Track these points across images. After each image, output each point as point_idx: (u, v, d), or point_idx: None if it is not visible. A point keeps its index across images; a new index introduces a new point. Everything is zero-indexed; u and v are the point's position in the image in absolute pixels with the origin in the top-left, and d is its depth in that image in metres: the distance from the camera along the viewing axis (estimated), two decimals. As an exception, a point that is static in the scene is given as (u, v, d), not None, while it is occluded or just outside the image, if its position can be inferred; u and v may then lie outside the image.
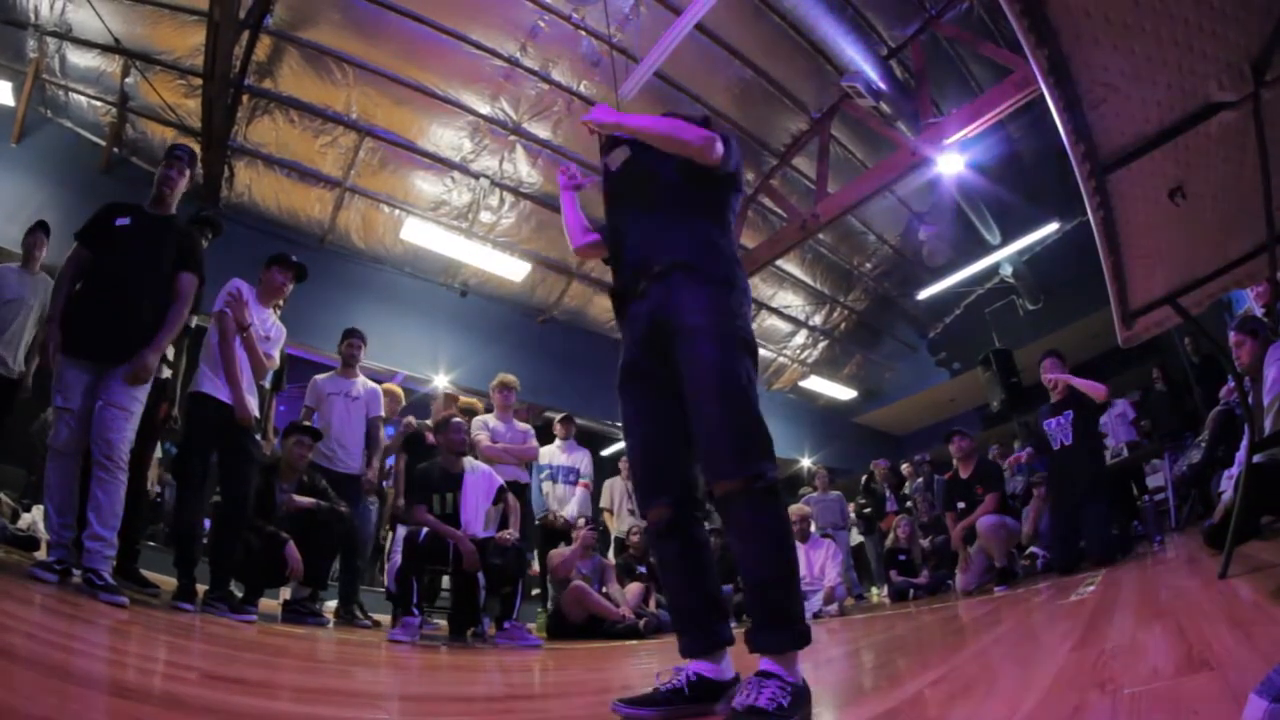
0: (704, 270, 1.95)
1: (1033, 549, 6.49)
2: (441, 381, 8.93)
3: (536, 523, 6.65)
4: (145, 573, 4.24)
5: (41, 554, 3.80)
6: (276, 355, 4.52)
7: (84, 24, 6.62)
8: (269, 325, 4.45)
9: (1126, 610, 2.82)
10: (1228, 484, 4.03)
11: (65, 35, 6.74)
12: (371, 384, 5.71)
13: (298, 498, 4.67)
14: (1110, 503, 5.75)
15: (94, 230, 3.63)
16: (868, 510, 9.83)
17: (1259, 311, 5.10)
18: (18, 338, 4.56)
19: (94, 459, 3.30)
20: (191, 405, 4.11)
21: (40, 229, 4.83)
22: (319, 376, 5.62)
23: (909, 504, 9.19)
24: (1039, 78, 2.19)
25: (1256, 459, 3.03)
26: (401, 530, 5.17)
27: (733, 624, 2.05)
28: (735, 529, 1.80)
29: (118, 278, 3.55)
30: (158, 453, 5.43)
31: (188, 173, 3.91)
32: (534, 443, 6.40)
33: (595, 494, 7.43)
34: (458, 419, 5.20)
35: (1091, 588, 3.96)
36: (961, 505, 6.66)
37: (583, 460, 7.03)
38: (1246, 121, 2.30)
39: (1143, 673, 1.58)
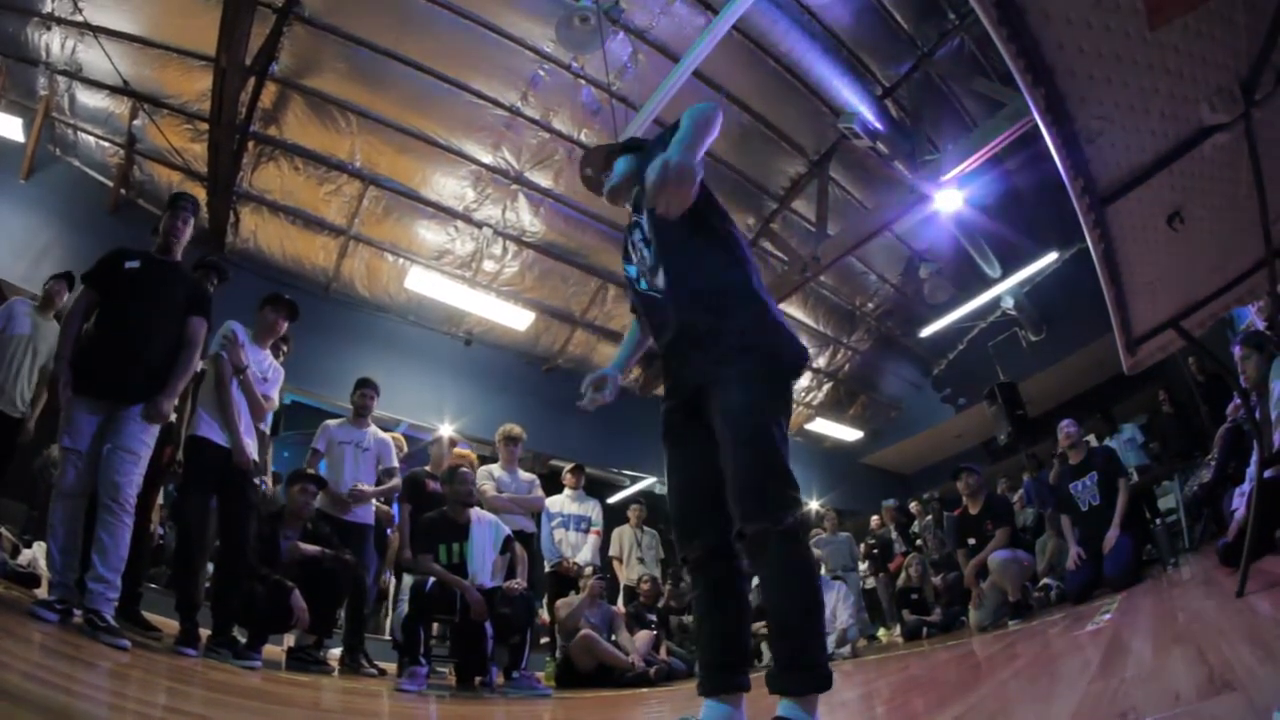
0: None
1: (1046, 580, 6.39)
2: (446, 430, 8.86)
3: (549, 570, 6.61)
4: (147, 615, 4.21)
5: (42, 591, 3.77)
6: (275, 396, 4.52)
7: (94, 64, 6.75)
8: (266, 366, 4.46)
9: (1145, 636, 2.78)
10: (1240, 501, 3.99)
11: (75, 75, 6.87)
12: (383, 435, 5.71)
13: (303, 545, 4.63)
14: (1133, 533, 5.72)
15: (102, 273, 3.66)
16: (875, 551, 9.75)
17: (1261, 325, 5.10)
18: (22, 375, 4.57)
19: (100, 502, 3.29)
20: (190, 449, 4.09)
21: (64, 279, 4.86)
22: (330, 422, 5.61)
23: (918, 543, 9.10)
24: (1037, 116, 2.22)
25: (1267, 474, 3.01)
26: (407, 579, 5.11)
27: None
28: (759, 574, 1.85)
29: (128, 320, 3.58)
30: (160, 496, 5.41)
31: (192, 221, 3.96)
32: (539, 492, 6.37)
33: (605, 542, 7.37)
34: (465, 469, 5.18)
35: (1108, 615, 3.90)
36: (972, 542, 6.57)
37: (594, 509, 7.02)
38: (1239, 141, 2.33)
39: (1165, 699, 1.55)
